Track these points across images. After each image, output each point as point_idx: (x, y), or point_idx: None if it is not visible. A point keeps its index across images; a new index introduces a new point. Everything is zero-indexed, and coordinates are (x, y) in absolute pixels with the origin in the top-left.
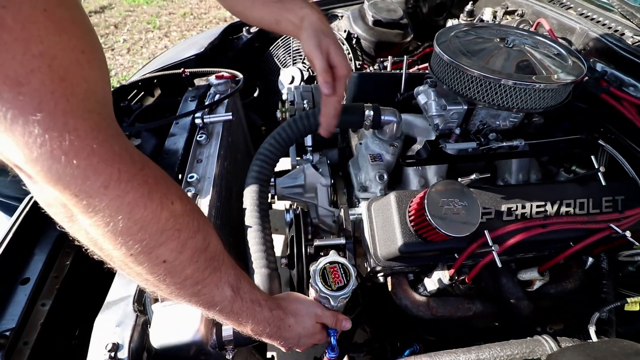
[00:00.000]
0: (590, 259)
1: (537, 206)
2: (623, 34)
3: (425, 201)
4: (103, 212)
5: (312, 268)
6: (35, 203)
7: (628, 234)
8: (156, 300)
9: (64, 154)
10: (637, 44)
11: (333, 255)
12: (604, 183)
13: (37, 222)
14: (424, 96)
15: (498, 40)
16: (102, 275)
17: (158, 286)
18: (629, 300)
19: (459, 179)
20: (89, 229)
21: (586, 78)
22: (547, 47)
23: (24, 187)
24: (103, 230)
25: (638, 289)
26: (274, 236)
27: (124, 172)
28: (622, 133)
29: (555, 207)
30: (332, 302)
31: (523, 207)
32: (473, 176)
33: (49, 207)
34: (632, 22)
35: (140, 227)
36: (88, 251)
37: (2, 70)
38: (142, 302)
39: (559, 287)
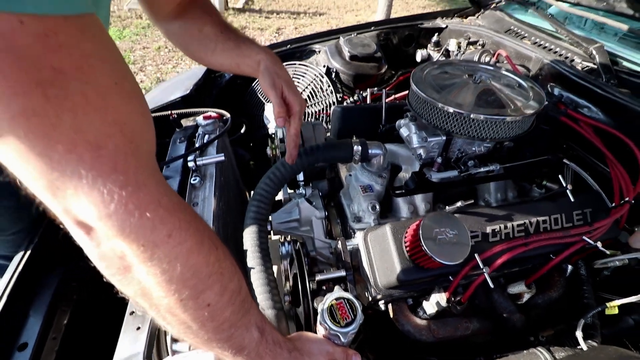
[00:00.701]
0: (570, 267)
1: (518, 225)
2: (573, 60)
3: (420, 232)
4: (163, 260)
5: (319, 307)
6: (28, 262)
7: (599, 244)
8: (167, 354)
9: (137, 208)
10: (585, 69)
11: (338, 291)
12: (572, 199)
13: (31, 282)
14: (406, 129)
15: (466, 76)
16: (103, 332)
17: (197, 333)
18: (608, 305)
19: (446, 207)
20: (144, 278)
21: (546, 103)
22: (509, 80)
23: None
24: (160, 278)
25: (615, 291)
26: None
27: (183, 220)
28: (583, 149)
29: (534, 224)
30: (342, 339)
31: (505, 227)
32: (459, 204)
33: (103, 260)
34: (579, 49)
35: (193, 273)
36: (85, 307)
37: (84, 136)
38: (151, 357)
39: (545, 297)
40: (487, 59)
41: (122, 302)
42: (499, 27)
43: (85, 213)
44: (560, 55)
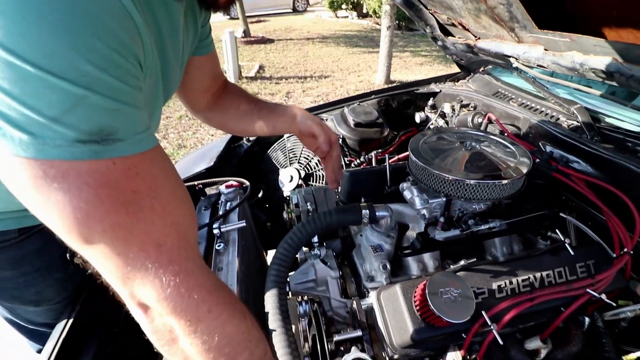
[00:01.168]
0: (587, 319)
1: (523, 280)
2: (558, 118)
3: (427, 292)
4: (204, 332)
5: None
6: (70, 330)
7: (603, 296)
8: None
9: (187, 291)
10: (571, 126)
11: (355, 352)
12: (572, 253)
13: (73, 348)
14: (409, 192)
15: (458, 144)
16: None
17: None
18: (624, 358)
19: (450, 266)
20: (188, 348)
21: (538, 160)
22: (497, 144)
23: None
24: (200, 348)
25: (635, 343)
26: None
27: (219, 297)
28: (580, 201)
29: (538, 278)
30: None
31: (511, 282)
32: (462, 262)
33: (155, 333)
34: (562, 109)
35: (227, 341)
36: None
37: (151, 237)
38: None
39: (564, 352)
40: (480, 120)
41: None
42: (487, 90)
43: (147, 296)
44: (547, 114)
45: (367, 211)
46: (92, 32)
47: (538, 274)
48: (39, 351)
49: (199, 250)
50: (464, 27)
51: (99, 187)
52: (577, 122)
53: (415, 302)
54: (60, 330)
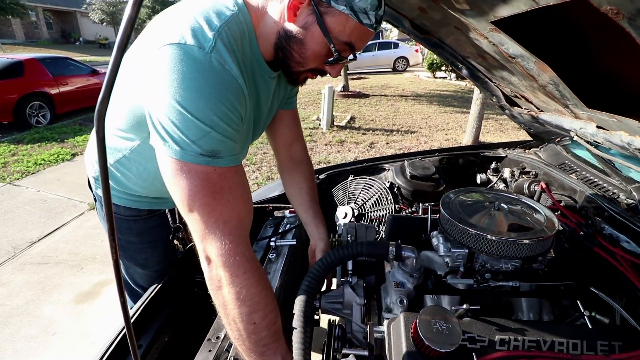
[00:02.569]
0: None
1: (530, 341)
2: (618, 196)
3: (418, 321)
4: (238, 285)
5: None
6: (157, 293)
7: None
8: None
9: (234, 254)
10: (628, 205)
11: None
12: (590, 326)
13: (153, 308)
14: (436, 240)
15: (488, 203)
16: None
17: (244, 341)
18: None
19: (453, 308)
20: (226, 294)
21: (581, 233)
22: (525, 207)
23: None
24: (233, 296)
25: None
26: (314, 354)
27: (253, 267)
28: (619, 284)
29: (548, 343)
30: None
31: (516, 339)
32: (465, 306)
33: (210, 279)
34: (623, 187)
35: (250, 298)
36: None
37: (223, 215)
38: None
39: None
40: (535, 188)
41: (204, 334)
42: (554, 160)
43: (212, 252)
44: (607, 190)
45: (394, 248)
46: (222, 100)
47: (549, 339)
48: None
49: (248, 234)
50: (526, 100)
51: (204, 181)
52: (636, 201)
53: (412, 332)
54: (150, 292)
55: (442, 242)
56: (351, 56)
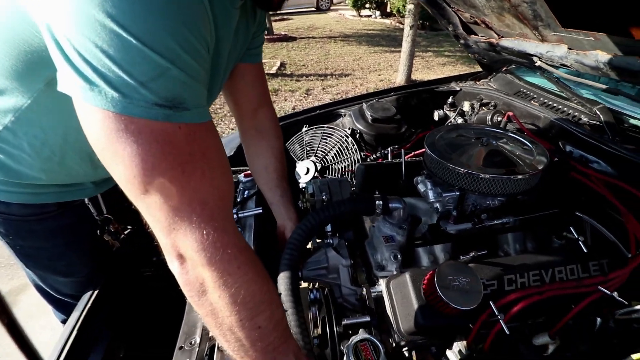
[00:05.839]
0: (599, 319)
1: (533, 274)
2: (580, 118)
3: (436, 279)
4: (232, 286)
5: (344, 346)
6: (94, 302)
7: (615, 294)
8: None
9: (222, 246)
10: (592, 126)
11: (363, 333)
12: (585, 250)
13: (96, 319)
14: (423, 185)
15: (475, 139)
16: None
17: (247, 351)
18: (633, 357)
19: (460, 257)
20: (216, 300)
21: (556, 159)
22: (514, 141)
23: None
24: (228, 300)
25: None
26: None
27: (248, 258)
28: (597, 201)
29: (549, 274)
30: None
31: (521, 276)
32: (472, 254)
33: (187, 284)
34: (585, 109)
35: (251, 298)
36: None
37: (199, 193)
38: None
39: (573, 350)
40: (499, 118)
41: (174, 339)
42: (509, 89)
43: (187, 247)
44: (568, 114)
45: (381, 202)
46: (182, 20)
47: (549, 270)
48: (64, 321)
49: (233, 215)
50: (486, 26)
51: (165, 145)
52: (599, 122)
53: (423, 289)
54: (84, 303)
55: (430, 187)
56: None
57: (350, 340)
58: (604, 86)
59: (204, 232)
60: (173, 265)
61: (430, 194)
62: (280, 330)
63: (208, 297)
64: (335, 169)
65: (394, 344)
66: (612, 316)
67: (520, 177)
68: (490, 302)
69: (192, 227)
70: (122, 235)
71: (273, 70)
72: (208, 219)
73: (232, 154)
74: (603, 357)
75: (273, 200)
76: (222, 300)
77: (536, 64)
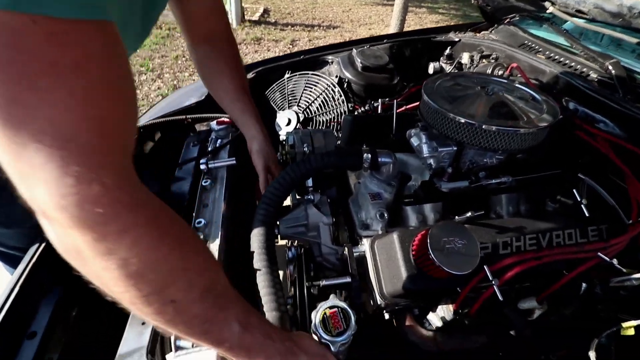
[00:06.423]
0: (584, 285)
1: (530, 238)
2: (588, 75)
3: (428, 240)
4: (117, 255)
5: (313, 314)
6: (41, 255)
7: (615, 261)
8: (171, 350)
9: (89, 202)
10: (601, 83)
11: (333, 300)
12: (587, 214)
13: (44, 273)
14: (416, 139)
15: (479, 88)
16: (112, 325)
17: (167, 325)
18: (623, 325)
19: (456, 217)
20: (101, 272)
21: (561, 116)
22: (522, 93)
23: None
24: (116, 273)
25: (635, 313)
26: None
27: (144, 217)
28: (599, 164)
29: (547, 238)
30: (332, 348)
31: (517, 239)
32: (468, 214)
33: (63, 249)
34: (594, 64)
35: (151, 269)
36: (97, 299)
37: (57, 126)
38: (155, 352)
39: (558, 315)
40: (500, 72)
41: None
42: (512, 41)
43: (45, 203)
44: (576, 70)
45: (369, 155)
46: None
47: (547, 234)
48: None
49: (128, 163)
50: None
51: (8, 47)
52: (610, 79)
53: (413, 251)
54: (30, 255)
55: (425, 141)
56: None
57: (319, 306)
58: (624, 37)
59: (61, 184)
60: (43, 224)
61: (425, 147)
62: (211, 299)
63: (91, 268)
64: (319, 121)
65: (374, 307)
66: (606, 283)
67: (529, 130)
68: (485, 267)
69: (45, 175)
70: None
71: (255, 17)
72: (69, 165)
73: (203, 98)
74: (587, 323)
75: (235, 115)
76: (109, 272)
77: (548, 10)
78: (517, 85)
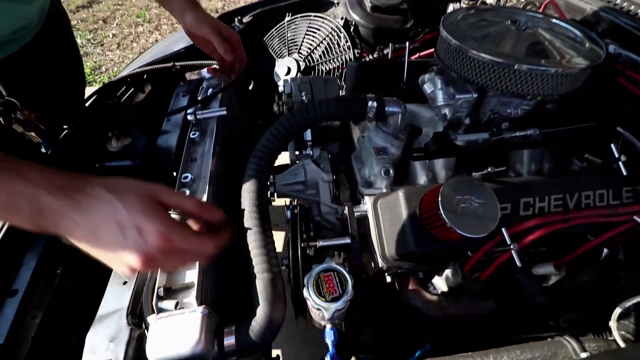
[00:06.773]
0: (606, 250)
1: (556, 199)
2: (636, 13)
3: (439, 199)
4: None
5: (305, 278)
6: None
7: None
8: (152, 311)
9: None
10: None
11: (328, 262)
12: (625, 173)
13: (22, 234)
14: (430, 85)
15: (509, 22)
16: (95, 284)
17: None
18: None
19: (473, 174)
20: None
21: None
22: (562, 30)
23: None
24: None
25: None
26: (274, 233)
27: None
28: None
29: (575, 199)
30: (325, 315)
31: (541, 200)
32: (488, 169)
33: None
34: None
35: None
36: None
37: None
38: (136, 314)
39: (574, 281)
40: (533, 10)
41: None
42: None
43: None
44: (622, 8)
45: (375, 104)
46: None
47: (575, 194)
48: None
49: None
50: None
51: None
52: None
53: (421, 210)
54: None
55: (441, 87)
56: None
57: (312, 269)
58: None
59: None
60: None
61: (440, 94)
62: None
63: None
64: (322, 70)
65: (375, 269)
66: (636, 249)
67: (567, 71)
68: (503, 229)
69: None
70: (36, 124)
71: None
72: None
73: (189, 44)
74: (607, 291)
75: (164, 2)
76: None
77: None
78: (554, 21)
